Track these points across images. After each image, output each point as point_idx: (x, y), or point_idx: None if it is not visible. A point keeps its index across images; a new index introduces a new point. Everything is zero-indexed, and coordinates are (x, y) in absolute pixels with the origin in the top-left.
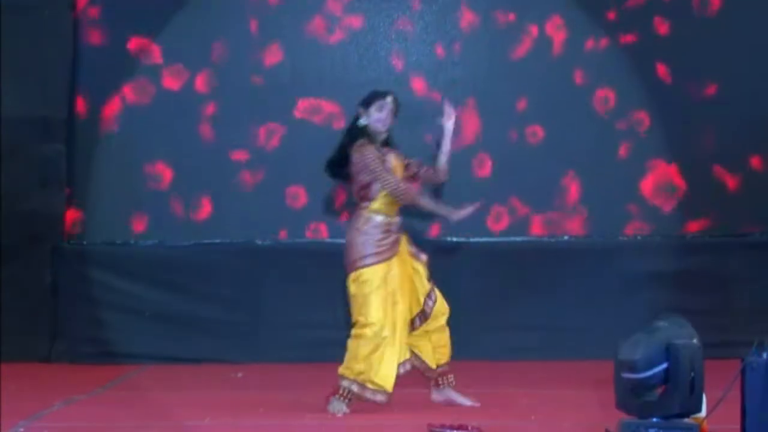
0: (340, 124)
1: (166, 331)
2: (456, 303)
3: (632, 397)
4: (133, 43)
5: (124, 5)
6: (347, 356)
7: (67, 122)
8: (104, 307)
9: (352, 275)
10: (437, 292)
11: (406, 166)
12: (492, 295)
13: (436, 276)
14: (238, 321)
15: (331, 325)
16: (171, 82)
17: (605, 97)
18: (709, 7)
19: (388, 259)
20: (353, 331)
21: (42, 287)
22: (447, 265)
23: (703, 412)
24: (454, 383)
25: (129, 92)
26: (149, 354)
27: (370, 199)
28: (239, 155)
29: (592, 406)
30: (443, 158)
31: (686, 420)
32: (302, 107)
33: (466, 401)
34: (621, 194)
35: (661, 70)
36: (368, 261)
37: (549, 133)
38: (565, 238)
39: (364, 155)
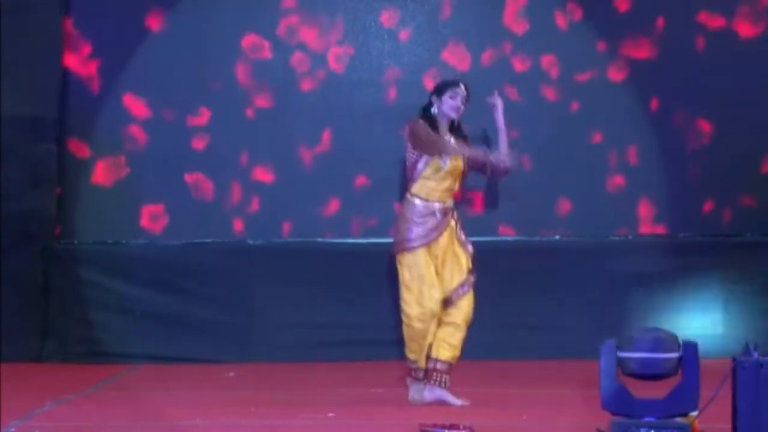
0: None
1: (158, 330)
2: None
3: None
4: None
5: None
6: None
7: (58, 122)
8: (96, 306)
9: (397, 258)
10: (471, 293)
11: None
12: (482, 295)
13: None
14: (230, 321)
15: (324, 325)
16: (165, 80)
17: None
18: (698, 43)
19: (425, 244)
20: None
21: (33, 287)
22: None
23: (695, 411)
24: (447, 385)
25: (120, 93)
26: (141, 354)
27: (414, 180)
28: (233, 153)
29: (583, 405)
30: (503, 139)
31: (678, 419)
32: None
33: (457, 401)
34: (611, 194)
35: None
36: (408, 245)
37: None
38: (556, 237)
39: (414, 128)
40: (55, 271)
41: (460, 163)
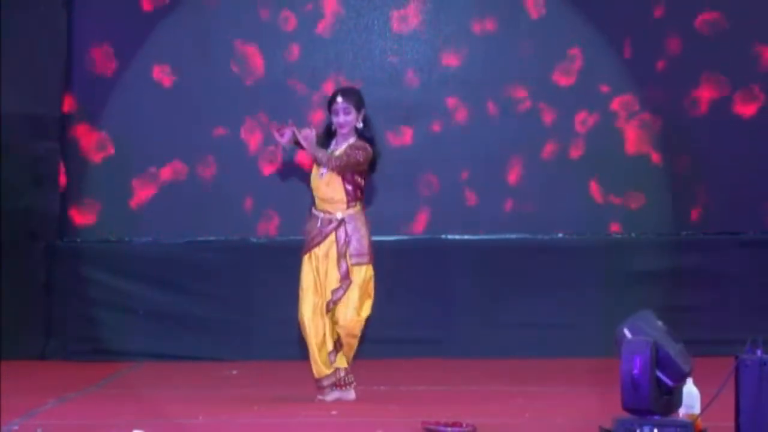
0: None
1: (161, 328)
2: (448, 301)
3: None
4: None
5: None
6: None
7: (60, 120)
8: (98, 304)
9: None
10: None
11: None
12: (484, 293)
13: (428, 273)
14: (232, 318)
15: None
16: (164, 78)
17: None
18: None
19: (308, 250)
20: None
21: (36, 285)
22: (440, 263)
23: (698, 410)
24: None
25: (123, 89)
26: (143, 351)
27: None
28: (233, 152)
29: (585, 403)
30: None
31: (681, 417)
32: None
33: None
34: (616, 191)
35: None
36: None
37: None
38: (559, 235)
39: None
40: (57, 269)
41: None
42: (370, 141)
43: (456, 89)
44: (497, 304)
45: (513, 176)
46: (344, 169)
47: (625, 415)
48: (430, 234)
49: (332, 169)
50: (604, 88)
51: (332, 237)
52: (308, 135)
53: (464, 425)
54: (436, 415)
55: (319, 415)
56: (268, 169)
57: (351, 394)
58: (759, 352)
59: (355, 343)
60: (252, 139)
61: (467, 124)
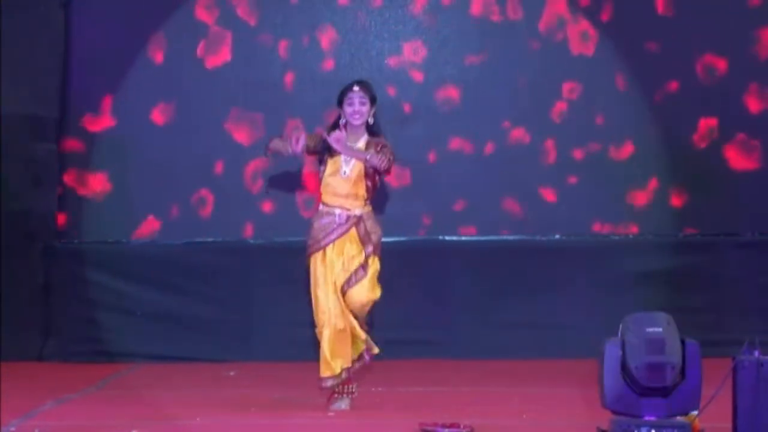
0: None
1: (159, 329)
2: (447, 302)
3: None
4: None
5: (118, 4)
6: None
7: (59, 121)
8: (96, 305)
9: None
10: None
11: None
12: (483, 294)
13: (426, 275)
14: (230, 320)
15: None
16: (163, 82)
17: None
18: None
19: (321, 248)
20: None
21: (34, 286)
22: (438, 264)
23: (695, 410)
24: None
25: (122, 91)
26: (141, 353)
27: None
28: (231, 154)
29: (583, 404)
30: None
31: (678, 418)
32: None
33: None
34: (612, 193)
35: None
36: (309, 250)
37: (538, 133)
38: (556, 236)
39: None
40: (55, 270)
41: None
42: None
43: (455, 87)
44: (495, 306)
45: (511, 176)
46: (390, 168)
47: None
48: (428, 235)
49: (385, 169)
50: None
51: (352, 232)
52: (340, 137)
53: (461, 426)
54: (433, 417)
55: (316, 417)
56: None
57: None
58: (756, 353)
59: (365, 314)
60: (240, 134)
61: (466, 126)
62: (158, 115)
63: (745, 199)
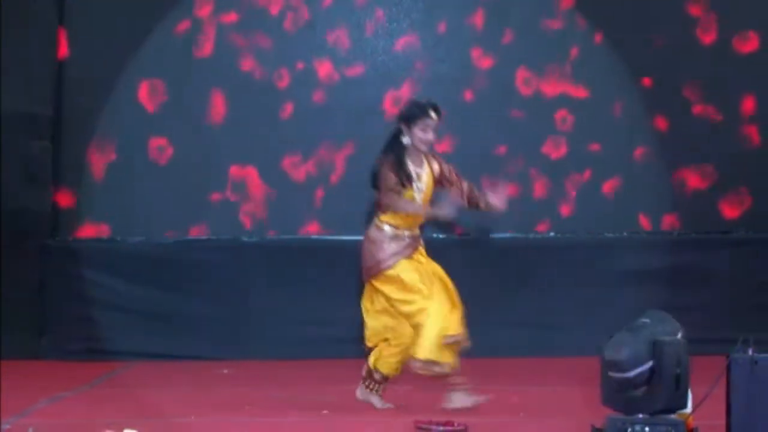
0: (329, 120)
1: (153, 328)
2: None
3: (618, 394)
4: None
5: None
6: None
7: (53, 119)
8: (91, 304)
9: (377, 282)
10: None
11: (440, 175)
12: (480, 293)
13: None
14: (224, 318)
15: (319, 322)
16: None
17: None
18: None
19: (406, 256)
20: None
21: (29, 284)
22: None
23: (689, 408)
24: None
25: (116, 89)
26: (136, 351)
27: (383, 211)
28: (229, 154)
29: (579, 402)
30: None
31: (672, 416)
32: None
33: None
34: (607, 191)
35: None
36: (388, 264)
37: (535, 131)
38: (551, 234)
39: (381, 171)
40: (50, 268)
41: (429, 192)
42: None
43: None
44: (490, 304)
45: (507, 175)
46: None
47: (616, 413)
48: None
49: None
50: None
51: (421, 249)
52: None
53: (456, 424)
54: (428, 415)
55: (311, 415)
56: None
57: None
58: (750, 351)
59: None
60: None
61: (463, 123)
62: (155, 116)
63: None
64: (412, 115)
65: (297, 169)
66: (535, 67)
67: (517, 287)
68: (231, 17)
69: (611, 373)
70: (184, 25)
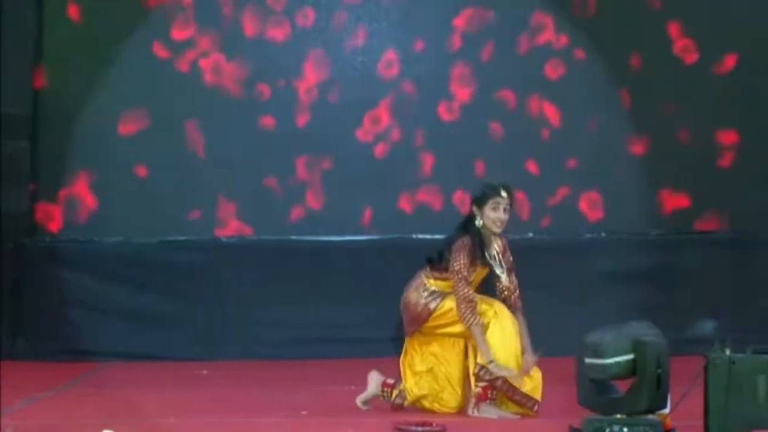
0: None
1: (131, 328)
2: None
3: (594, 389)
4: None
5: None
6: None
7: (31, 119)
8: (68, 304)
9: (428, 326)
10: None
11: (500, 262)
12: None
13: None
14: (202, 318)
15: (297, 323)
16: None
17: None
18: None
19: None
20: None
21: (5, 284)
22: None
23: (667, 408)
24: None
25: (94, 89)
26: (113, 351)
27: (436, 277)
28: (207, 154)
29: (557, 403)
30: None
31: (650, 416)
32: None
33: None
34: (586, 192)
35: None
36: (436, 303)
37: (513, 130)
38: (530, 235)
39: (457, 259)
40: (27, 268)
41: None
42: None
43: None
44: None
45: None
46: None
47: (594, 414)
48: (399, 233)
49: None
50: None
51: None
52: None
53: (434, 425)
54: (406, 416)
55: (290, 415)
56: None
57: None
58: (727, 351)
59: None
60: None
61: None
62: (131, 119)
63: (716, 197)
64: (483, 195)
65: (277, 170)
66: (516, 85)
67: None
68: (208, 40)
69: (588, 360)
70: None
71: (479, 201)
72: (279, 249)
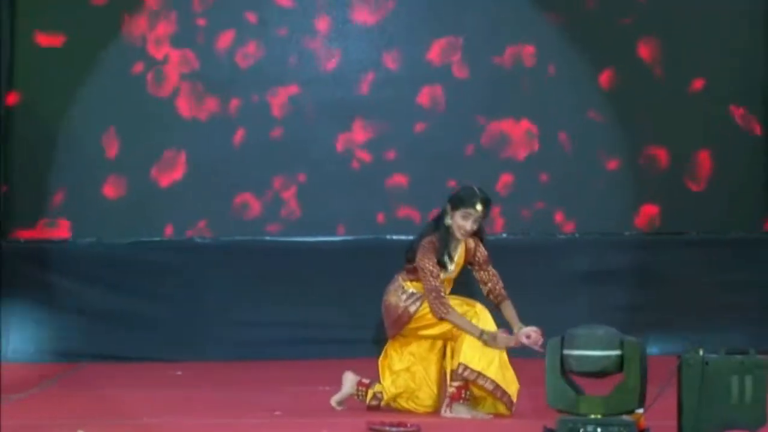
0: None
1: (105, 328)
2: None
3: (570, 388)
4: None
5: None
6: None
7: (2, 119)
8: (43, 304)
9: (410, 328)
10: None
11: (473, 255)
12: None
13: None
14: (177, 319)
15: (272, 324)
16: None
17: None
18: None
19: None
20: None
21: None
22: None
23: (641, 409)
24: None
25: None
26: (88, 352)
27: (411, 280)
28: (180, 154)
29: (530, 403)
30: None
31: (624, 416)
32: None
33: None
34: (560, 191)
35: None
36: (416, 306)
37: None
38: (504, 236)
39: (423, 258)
40: (2, 269)
41: (456, 271)
42: None
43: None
44: None
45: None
46: None
47: (568, 414)
48: (376, 234)
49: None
50: None
51: None
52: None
53: (409, 425)
54: (381, 416)
55: (263, 416)
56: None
57: None
58: (701, 352)
59: None
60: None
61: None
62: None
63: (692, 199)
64: (458, 199)
65: (251, 173)
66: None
67: (466, 288)
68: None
69: (576, 351)
70: None
71: (454, 203)
72: (253, 250)
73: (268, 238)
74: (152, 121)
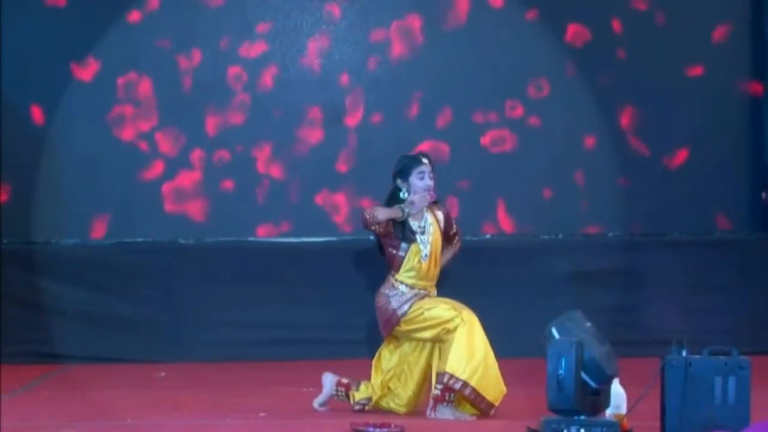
0: (264, 123)
1: (88, 330)
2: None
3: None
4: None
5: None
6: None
7: None
8: (25, 306)
9: (400, 330)
10: None
11: (445, 226)
12: None
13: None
14: (160, 320)
15: (255, 325)
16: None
17: (538, 85)
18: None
19: (420, 297)
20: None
21: None
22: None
23: (624, 409)
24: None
25: (56, 88)
26: (71, 354)
27: (396, 270)
28: (164, 156)
29: (514, 403)
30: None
31: (607, 417)
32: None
33: None
34: (540, 192)
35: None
36: (404, 309)
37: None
38: (487, 236)
39: (371, 213)
40: None
41: (437, 245)
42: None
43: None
44: None
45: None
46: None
47: (552, 415)
48: (357, 235)
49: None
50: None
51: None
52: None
53: (392, 426)
54: (364, 417)
55: (247, 417)
56: (196, 172)
57: None
58: (684, 353)
59: None
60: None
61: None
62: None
63: (673, 199)
64: (404, 167)
65: (235, 171)
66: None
67: (451, 289)
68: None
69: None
70: None
71: (403, 173)
72: (236, 251)
73: (251, 239)
74: None
